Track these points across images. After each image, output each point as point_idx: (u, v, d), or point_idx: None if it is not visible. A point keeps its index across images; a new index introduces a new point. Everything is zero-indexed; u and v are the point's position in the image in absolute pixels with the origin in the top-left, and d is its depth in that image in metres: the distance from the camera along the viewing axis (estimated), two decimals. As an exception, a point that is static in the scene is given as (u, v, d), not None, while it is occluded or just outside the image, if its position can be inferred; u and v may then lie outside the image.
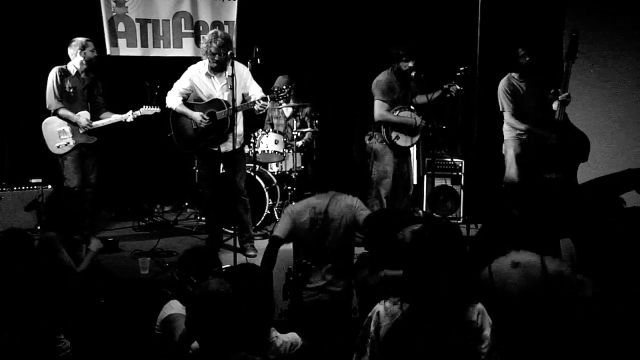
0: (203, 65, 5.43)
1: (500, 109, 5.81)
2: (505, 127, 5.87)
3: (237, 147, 5.29)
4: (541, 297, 2.70)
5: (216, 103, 5.38)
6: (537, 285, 2.72)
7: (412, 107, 5.64)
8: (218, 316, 2.46)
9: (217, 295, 2.49)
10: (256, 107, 5.27)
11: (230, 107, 5.06)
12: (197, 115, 5.36)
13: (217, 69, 5.35)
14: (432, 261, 2.51)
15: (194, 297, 2.56)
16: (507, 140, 5.86)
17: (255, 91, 5.44)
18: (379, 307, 2.57)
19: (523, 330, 2.69)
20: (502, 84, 5.78)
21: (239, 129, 5.47)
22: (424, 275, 2.52)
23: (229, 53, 5.15)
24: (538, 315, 2.69)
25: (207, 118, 5.33)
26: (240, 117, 5.47)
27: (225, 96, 5.33)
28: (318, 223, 3.99)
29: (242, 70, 5.42)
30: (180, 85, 5.45)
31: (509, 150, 5.80)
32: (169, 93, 5.49)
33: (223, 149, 5.43)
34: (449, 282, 2.50)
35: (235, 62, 5.22)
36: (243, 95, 5.44)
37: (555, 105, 5.59)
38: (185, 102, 5.47)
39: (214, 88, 5.43)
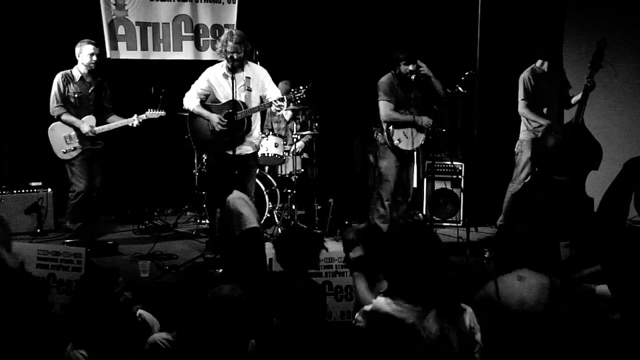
0: (221, 67, 5.36)
1: (520, 98, 5.72)
2: (522, 126, 5.78)
3: (253, 151, 5.26)
4: (546, 310, 2.67)
5: (233, 104, 5.33)
6: (541, 299, 2.69)
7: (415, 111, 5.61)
8: (228, 321, 2.48)
9: (228, 300, 2.51)
10: (272, 108, 5.20)
11: (247, 109, 5.07)
12: (214, 117, 5.31)
13: (236, 68, 5.21)
14: (411, 261, 2.55)
15: (206, 300, 2.58)
16: (523, 140, 5.77)
17: (273, 93, 5.36)
18: (385, 306, 2.55)
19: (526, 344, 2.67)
20: (525, 73, 5.72)
21: (255, 132, 5.44)
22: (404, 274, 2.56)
23: (246, 50, 5.13)
24: (541, 329, 2.67)
25: (225, 121, 5.26)
26: (257, 121, 5.43)
27: (242, 97, 5.27)
28: None
29: (259, 72, 5.37)
30: (198, 86, 5.41)
31: (525, 152, 5.72)
32: (187, 94, 5.43)
33: (238, 151, 5.31)
34: (439, 284, 2.54)
35: (254, 64, 5.19)
36: (261, 97, 5.38)
37: (574, 99, 5.57)
38: (202, 103, 5.43)
39: (231, 89, 5.39)
